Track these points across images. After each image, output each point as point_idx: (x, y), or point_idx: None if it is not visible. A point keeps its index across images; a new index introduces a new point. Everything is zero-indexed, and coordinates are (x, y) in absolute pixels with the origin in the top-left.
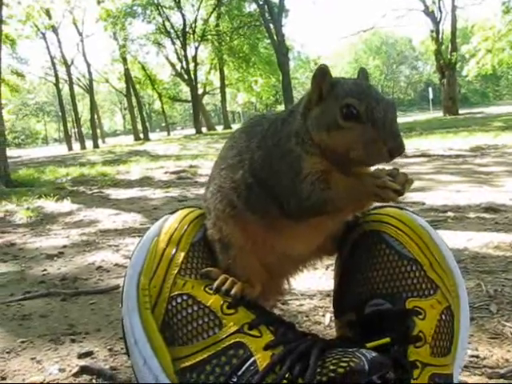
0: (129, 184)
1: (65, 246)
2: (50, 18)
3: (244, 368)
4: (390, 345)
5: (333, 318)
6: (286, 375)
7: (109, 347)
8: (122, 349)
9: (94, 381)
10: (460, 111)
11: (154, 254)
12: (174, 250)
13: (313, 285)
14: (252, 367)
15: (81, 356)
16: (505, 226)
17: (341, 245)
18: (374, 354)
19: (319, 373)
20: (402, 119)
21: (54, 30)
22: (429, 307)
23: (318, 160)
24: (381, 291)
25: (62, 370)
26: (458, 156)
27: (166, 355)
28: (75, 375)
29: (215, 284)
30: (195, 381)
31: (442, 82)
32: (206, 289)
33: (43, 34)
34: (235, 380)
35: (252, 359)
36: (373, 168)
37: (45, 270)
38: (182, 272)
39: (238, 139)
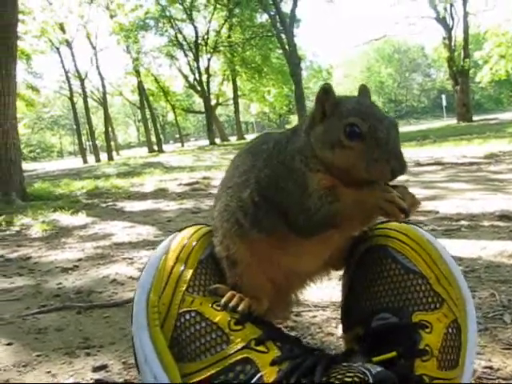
0: (143, 196)
1: (80, 260)
2: (64, 32)
3: (252, 383)
4: (396, 359)
5: None
6: None
7: (123, 360)
8: None
9: None
10: (474, 118)
11: (162, 272)
12: (182, 268)
13: (326, 296)
14: (259, 383)
15: (95, 369)
16: None
17: (348, 259)
18: (378, 369)
19: None
20: (415, 127)
21: (68, 44)
22: (435, 321)
23: (323, 176)
24: (387, 305)
25: None
26: (471, 163)
27: (175, 371)
28: None
29: (223, 301)
30: None
31: (455, 89)
32: (214, 305)
33: (57, 49)
34: None
35: (259, 375)
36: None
37: (60, 283)
38: (190, 289)
39: (244, 158)
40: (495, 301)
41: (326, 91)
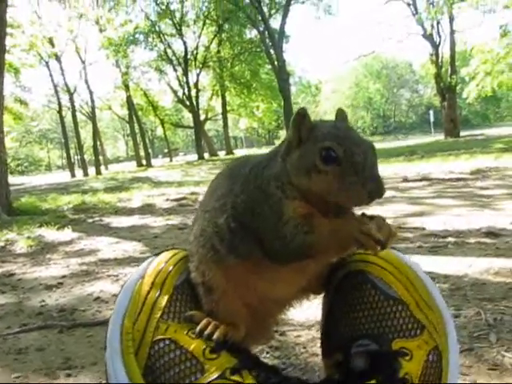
0: (130, 212)
1: (64, 276)
2: (53, 46)
3: None
4: None
5: None
6: None
7: (104, 381)
8: None
9: None
10: (461, 133)
11: (137, 297)
12: (157, 293)
13: (311, 315)
14: None
15: None
16: (505, 251)
17: (327, 284)
18: None
19: None
20: (403, 142)
21: (57, 58)
22: (415, 348)
23: (300, 204)
24: (367, 331)
25: None
26: (458, 179)
27: None
28: None
29: (198, 328)
30: None
31: (442, 105)
32: (189, 333)
33: (46, 63)
34: None
35: None
36: (357, 211)
37: (43, 301)
38: (165, 316)
39: (222, 181)
40: (481, 320)
41: (301, 115)
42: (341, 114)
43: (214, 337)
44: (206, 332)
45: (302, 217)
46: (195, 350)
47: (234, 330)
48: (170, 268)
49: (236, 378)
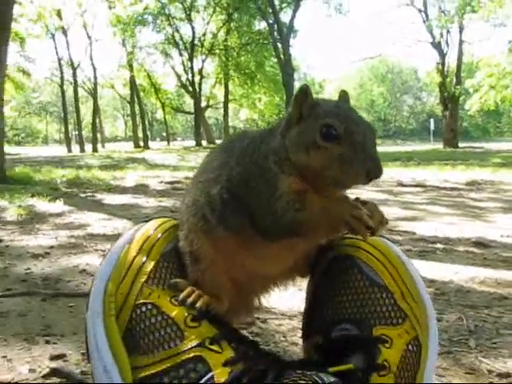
0: (123, 190)
1: (52, 247)
2: (60, 19)
3: (201, 383)
4: (353, 371)
5: None
6: None
7: (82, 351)
8: None
9: None
10: (460, 144)
11: (123, 262)
12: (144, 259)
13: (294, 305)
14: (209, 382)
15: (53, 358)
16: (492, 262)
17: (314, 267)
18: (332, 379)
19: None
20: (401, 148)
21: (64, 31)
22: (396, 336)
23: (295, 180)
24: (349, 316)
25: (32, 371)
26: (453, 189)
27: (126, 364)
28: (45, 377)
29: (181, 296)
30: None
31: (444, 115)
32: (172, 300)
33: (52, 35)
34: None
35: (210, 374)
36: (350, 192)
37: (28, 268)
38: (150, 281)
39: (218, 154)
40: (462, 325)
41: (304, 92)
42: (343, 95)
43: (197, 305)
44: (189, 300)
45: (296, 193)
46: (177, 316)
47: (217, 302)
48: (159, 235)
49: (215, 347)
